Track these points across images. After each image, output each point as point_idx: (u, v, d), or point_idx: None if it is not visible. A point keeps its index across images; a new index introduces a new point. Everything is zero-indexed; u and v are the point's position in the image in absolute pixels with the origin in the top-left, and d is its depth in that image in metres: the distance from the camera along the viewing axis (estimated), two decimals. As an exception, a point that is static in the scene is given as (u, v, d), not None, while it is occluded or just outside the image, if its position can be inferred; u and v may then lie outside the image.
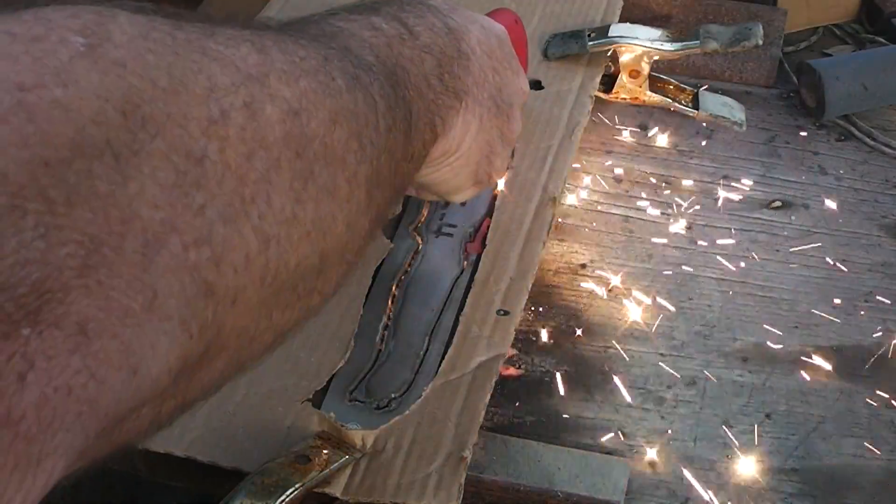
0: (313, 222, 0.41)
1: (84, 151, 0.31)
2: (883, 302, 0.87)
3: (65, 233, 0.30)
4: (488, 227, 0.82)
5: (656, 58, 0.96)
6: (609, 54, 0.98)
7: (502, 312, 0.75)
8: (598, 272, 0.89)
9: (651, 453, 0.75)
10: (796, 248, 0.92)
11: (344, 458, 0.65)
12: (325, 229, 0.42)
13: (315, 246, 0.42)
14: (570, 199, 0.95)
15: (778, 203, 0.97)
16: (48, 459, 0.30)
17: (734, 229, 0.93)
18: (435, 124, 0.58)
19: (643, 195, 0.96)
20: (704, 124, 1.03)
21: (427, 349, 0.75)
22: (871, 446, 0.76)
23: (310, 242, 0.41)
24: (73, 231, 0.30)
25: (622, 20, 1.03)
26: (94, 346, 0.30)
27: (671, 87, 1.02)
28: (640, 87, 1.00)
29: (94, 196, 0.31)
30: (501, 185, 0.84)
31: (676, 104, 1.01)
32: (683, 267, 0.90)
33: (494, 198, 0.85)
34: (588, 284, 0.88)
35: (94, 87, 0.32)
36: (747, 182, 0.98)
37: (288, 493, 0.61)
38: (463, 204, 0.86)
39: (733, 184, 0.98)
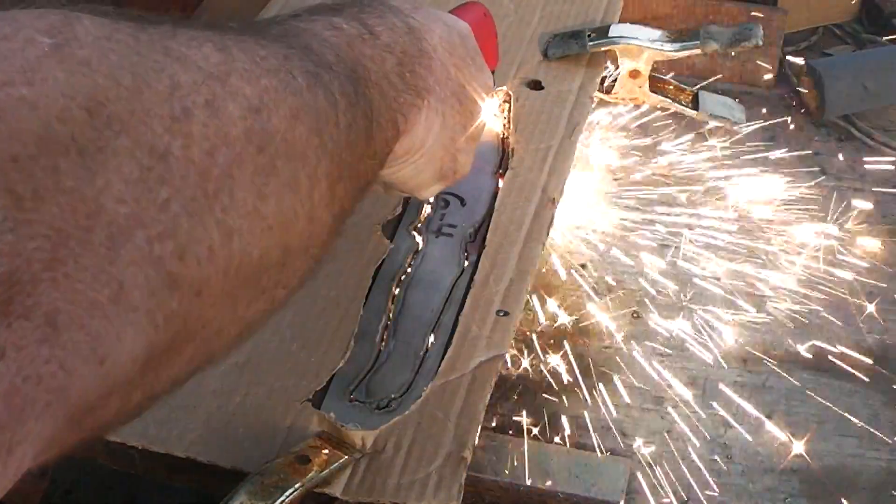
0: (275, 216, 0.42)
1: (50, 148, 0.32)
2: (883, 302, 0.87)
3: (33, 227, 0.31)
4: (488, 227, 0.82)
5: (656, 58, 0.96)
6: (609, 55, 0.98)
7: (502, 313, 0.75)
8: (598, 272, 0.89)
9: (651, 453, 0.75)
10: (796, 248, 0.92)
11: (344, 459, 0.65)
12: (287, 223, 0.43)
13: (277, 239, 0.43)
14: (571, 199, 0.95)
15: (778, 203, 0.97)
16: (18, 448, 0.30)
17: (735, 229, 0.93)
18: (397, 122, 0.58)
19: (643, 195, 0.96)
20: (705, 124, 1.03)
21: (427, 349, 0.75)
22: (871, 446, 0.76)
23: (272, 236, 0.42)
24: (40, 225, 0.31)
25: (622, 20, 1.03)
26: (63, 336, 0.31)
27: (671, 87, 1.02)
28: (640, 87, 1.00)
29: (60, 191, 0.32)
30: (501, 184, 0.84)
31: (676, 104, 1.01)
32: (683, 267, 0.90)
33: (494, 198, 0.85)
34: (588, 284, 0.88)
35: (60, 86, 0.33)
36: (747, 182, 0.98)
37: (288, 493, 0.61)
38: (463, 204, 0.86)
39: (733, 184, 0.98)
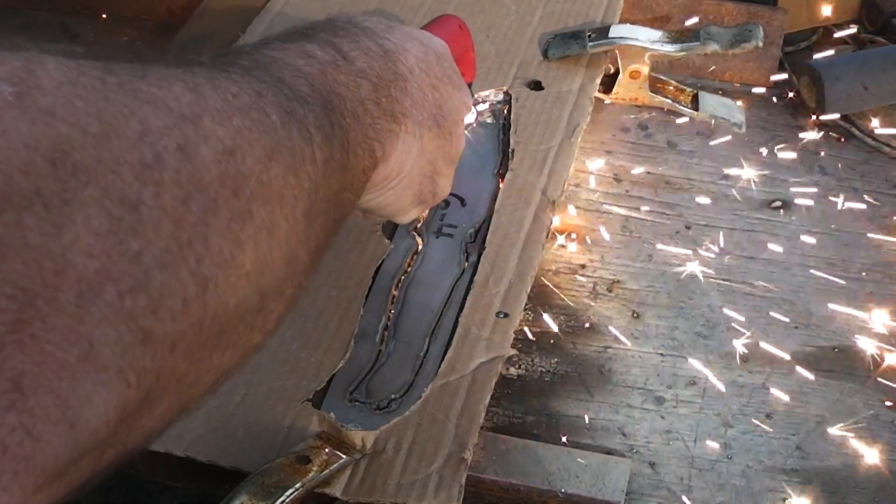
0: (252, 262, 0.40)
1: (13, 202, 0.31)
2: (882, 302, 0.87)
3: None
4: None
5: (656, 58, 0.96)
6: (609, 55, 0.98)
7: (502, 315, 0.75)
8: (598, 272, 0.89)
9: (651, 453, 0.75)
10: (796, 248, 0.92)
11: (344, 459, 0.65)
12: (263, 267, 0.42)
13: (254, 285, 0.41)
14: (571, 200, 0.95)
15: (778, 203, 0.97)
16: None
17: (734, 229, 0.94)
18: (374, 149, 0.57)
19: (643, 195, 0.96)
20: (704, 125, 1.03)
21: (427, 350, 0.75)
22: (871, 447, 0.76)
23: (249, 282, 0.40)
24: (4, 285, 0.30)
25: (622, 21, 1.03)
26: (30, 402, 0.30)
27: (671, 87, 1.02)
28: (640, 87, 1.00)
29: (25, 248, 0.31)
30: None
31: (676, 105, 1.01)
32: (683, 267, 0.90)
33: (494, 199, 0.85)
34: (588, 284, 0.88)
35: (22, 137, 0.32)
36: (747, 182, 0.98)
37: (288, 493, 0.61)
38: (463, 205, 0.86)
39: (733, 183, 0.98)
